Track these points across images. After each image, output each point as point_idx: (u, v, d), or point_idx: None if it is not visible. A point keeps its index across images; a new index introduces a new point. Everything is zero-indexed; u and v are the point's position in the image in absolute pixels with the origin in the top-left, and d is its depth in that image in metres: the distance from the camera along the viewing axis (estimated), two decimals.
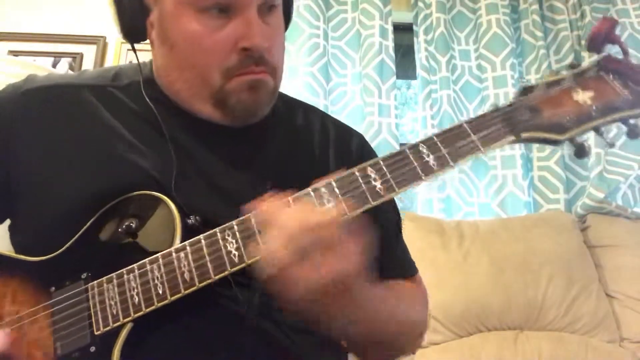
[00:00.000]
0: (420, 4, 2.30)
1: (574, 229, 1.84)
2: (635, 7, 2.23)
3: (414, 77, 2.34)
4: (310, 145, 0.77)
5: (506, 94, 2.15)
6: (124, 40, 2.50)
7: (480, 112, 0.57)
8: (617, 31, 0.57)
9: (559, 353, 1.55)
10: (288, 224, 0.50)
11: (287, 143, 0.76)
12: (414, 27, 2.32)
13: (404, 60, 2.47)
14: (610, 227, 1.88)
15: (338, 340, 0.63)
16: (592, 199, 1.95)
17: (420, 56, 2.24)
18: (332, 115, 0.88)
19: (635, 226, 1.89)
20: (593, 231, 1.88)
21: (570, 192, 2.09)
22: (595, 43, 0.58)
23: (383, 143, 2.04)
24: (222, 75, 0.65)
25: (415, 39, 2.30)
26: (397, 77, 2.21)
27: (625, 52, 0.58)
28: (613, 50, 0.59)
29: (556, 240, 1.77)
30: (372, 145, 0.87)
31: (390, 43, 2.19)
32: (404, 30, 2.43)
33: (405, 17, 2.39)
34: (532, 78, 2.20)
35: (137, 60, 0.74)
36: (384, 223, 0.74)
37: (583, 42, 2.24)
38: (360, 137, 0.84)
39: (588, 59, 2.16)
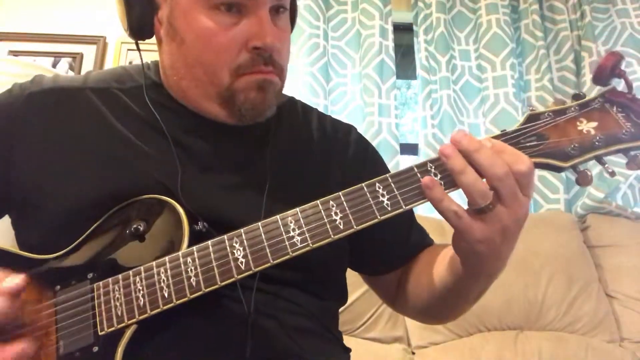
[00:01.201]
0: (420, 4, 2.30)
1: (574, 229, 1.84)
2: (635, 7, 2.24)
3: (414, 77, 2.34)
4: (311, 143, 0.78)
5: (506, 94, 2.15)
6: (124, 40, 2.48)
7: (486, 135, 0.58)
8: (623, 66, 0.59)
9: (559, 353, 1.55)
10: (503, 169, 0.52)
11: (289, 142, 0.76)
12: (414, 27, 2.32)
13: (404, 60, 2.47)
14: (610, 227, 1.88)
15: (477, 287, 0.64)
16: (592, 199, 1.95)
17: (420, 56, 2.24)
18: (332, 115, 0.89)
19: (635, 226, 1.89)
20: (593, 231, 1.88)
21: (570, 192, 2.09)
22: (601, 76, 0.60)
23: (383, 143, 2.04)
24: (230, 73, 0.65)
25: (415, 39, 2.31)
26: (397, 77, 2.21)
27: (629, 87, 0.59)
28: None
29: (556, 240, 1.77)
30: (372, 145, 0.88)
31: (390, 43, 2.19)
32: (404, 30, 2.44)
33: (405, 17, 2.40)
34: (532, 78, 2.20)
35: (141, 59, 0.74)
36: None
37: (583, 42, 2.25)
38: (355, 131, 0.85)
39: (588, 60, 2.17)
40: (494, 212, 0.51)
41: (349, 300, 1.33)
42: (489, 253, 0.54)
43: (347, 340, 0.76)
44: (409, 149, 2.26)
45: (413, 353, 1.63)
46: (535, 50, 2.22)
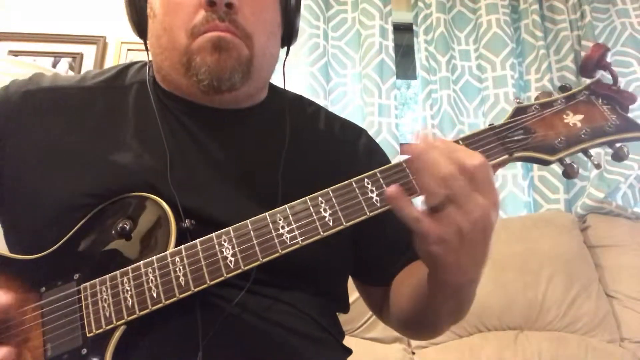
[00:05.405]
0: (420, 4, 2.30)
1: (574, 229, 1.84)
2: (635, 7, 2.23)
3: (414, 77, 2.34)
4: (316, 142, 0.76)
5: (506, 94, 2.15)
6: (124, 40, 2.48)
7: (475, 130, 0.57)
8: (608, 58, 0.60)
9: (559, 353, 1.55)
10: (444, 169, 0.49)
11: (291, 138, 0.74)
12: (414, 27, 2.32)
13: (404, 60, 2.47)
14: (610, 227, 1.87)
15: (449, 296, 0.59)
16: (592, 199, 1.94)
17: (420, 56, 2.24)
18: None
19: (635, 226, 1.89)
20: (593, 231, 1.87)
21: (570, 192, 2.09)
22: (586, 68, 0.60)
23: (383, 143, 2.04)
24: (187, 34, 0.63)
25: (415, 39, 2.31)
26: (397, 77, 2.20)
27: (614, 79, 0.59)
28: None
29: (556, 240, 1.77)
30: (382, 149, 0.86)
31: (390, 43, 2.19)
32: (404, 30, 2.44)
33: (405, 17, 2.40)
34: (532, 78, 2.20)
35: (148, 57, 0.73)
36: None
37: (583, 42, 2.25)
38: (365, 134, 0.83)
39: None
40: (447, 211, 0.48)
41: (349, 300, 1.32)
42: (446, 257, 0.51)
43: (347, 340, 0.75)
44: None
45: (413, 353, 1.63)
46: (535, 50, 2.22)
